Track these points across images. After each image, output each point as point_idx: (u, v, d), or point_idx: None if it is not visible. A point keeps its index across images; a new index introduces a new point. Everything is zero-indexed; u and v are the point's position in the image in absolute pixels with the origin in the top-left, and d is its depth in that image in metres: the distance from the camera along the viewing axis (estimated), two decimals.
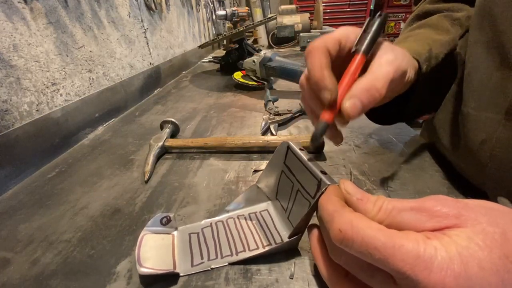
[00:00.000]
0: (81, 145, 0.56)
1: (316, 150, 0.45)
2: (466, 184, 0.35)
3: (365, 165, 0.42)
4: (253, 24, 1.11)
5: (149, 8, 0.90)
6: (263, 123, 0.55)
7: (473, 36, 0.33)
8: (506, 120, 0.27)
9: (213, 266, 0.27)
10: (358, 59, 0.25)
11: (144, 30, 0.87)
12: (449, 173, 0.38)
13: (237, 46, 1.05)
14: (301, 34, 1.39)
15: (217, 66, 1.16)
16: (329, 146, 0.46)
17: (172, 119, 0.53)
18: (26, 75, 0.47)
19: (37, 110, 0.49)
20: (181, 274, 0.27)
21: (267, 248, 0.28)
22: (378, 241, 0.17)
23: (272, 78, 0.80)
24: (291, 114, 0.58)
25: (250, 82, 0.81)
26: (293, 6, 1.75)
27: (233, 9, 1.31)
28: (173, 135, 0.54)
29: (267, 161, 0.35)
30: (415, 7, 0.46)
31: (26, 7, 0.48)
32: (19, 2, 0.46)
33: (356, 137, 0.50)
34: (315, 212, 0.24)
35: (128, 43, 0.78)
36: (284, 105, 0.64)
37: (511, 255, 0.15)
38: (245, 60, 0.81)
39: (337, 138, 0.29)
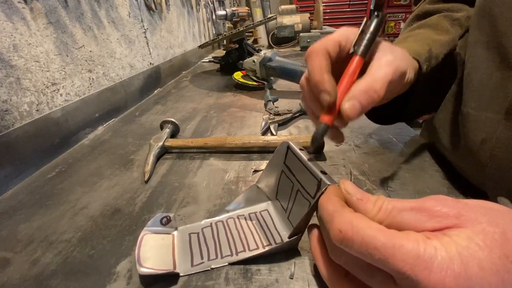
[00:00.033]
0: (81, 145, 0.56)
1: (316, 150, 0.45)
2: (466, 184, 0.35)
3: (365, 165, 0.42)
4: (253, 24, 1.11)
5: (149, 8, 0.90)
6: (263, 123, 0.55)
7: (473, 36, 0.33)
8: (506, 120, 0.27)
9: (213, 266, 0.27)
10: (356, 61, 0.25)
11: (144, 30, 0.87)
12: (449, 173, 0.38)
13: (237, 46, 1.05)
14: (301, 34, 1.39)
15: (217, 66, 1.16)
16: (329, 146, 0.46)
17: (172, 119, 0.53)
18: (26, 75, 0.47)
19: (37, 110, 0.49)
20: (181, 274, 0.27)
21: (267, 248, 0.28)
22: (378, 241, 0.17)
23: (272, 78, 0.80)
24: (291, 114, 0.58)
25: (250, 82, 0.81)
26: (293, 6, 1.75)
27: (233, 9, 1.31)
28: (173, 135, 0.54)
29: (267, 161, 0.35)
30: (415, 7, 0.46)
31: (26, 7, 0.48)
32: (19, 2, 0.46)
33: (356, 137, 0.50)
34: (315, 212, 0.24)
35: (128, 43, 0.78)
36: (284, 105, 0.64)
37: (511, 255, 0.15)
38: (245, 60, 0.81)
39: (338, 138, 0.29)
